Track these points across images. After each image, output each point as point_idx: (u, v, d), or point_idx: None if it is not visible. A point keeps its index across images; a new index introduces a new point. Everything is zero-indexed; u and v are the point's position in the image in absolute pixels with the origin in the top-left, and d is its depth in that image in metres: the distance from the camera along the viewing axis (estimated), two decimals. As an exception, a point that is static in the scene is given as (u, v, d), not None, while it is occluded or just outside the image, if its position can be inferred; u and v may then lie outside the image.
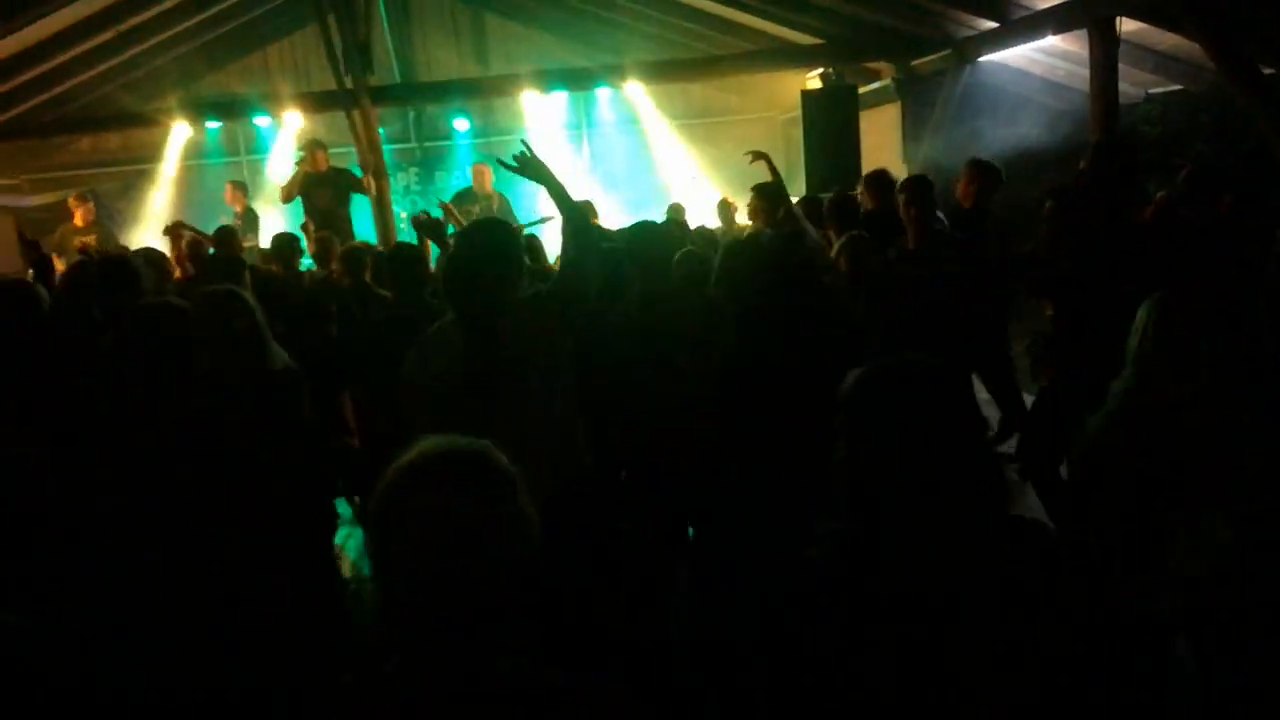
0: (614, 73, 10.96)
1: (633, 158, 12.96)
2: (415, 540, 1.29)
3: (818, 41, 9.86)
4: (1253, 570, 2.50)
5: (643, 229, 3.91)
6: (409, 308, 4.39)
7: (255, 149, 12.63)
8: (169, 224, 7.44)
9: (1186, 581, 2.51)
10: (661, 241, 3.85)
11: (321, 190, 9.01)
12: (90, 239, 8.55)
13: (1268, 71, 5.68)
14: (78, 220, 9.11)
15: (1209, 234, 4.59)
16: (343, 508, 5.74)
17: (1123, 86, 7.16)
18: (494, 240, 2.97)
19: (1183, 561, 2.50)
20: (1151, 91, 9.33)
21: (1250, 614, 2.55)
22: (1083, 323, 3.85)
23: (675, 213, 8.04)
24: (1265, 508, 2.50)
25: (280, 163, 11.88)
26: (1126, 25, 6.59)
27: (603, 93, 12.21)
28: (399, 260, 4.68)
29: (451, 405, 2.82)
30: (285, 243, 6.71)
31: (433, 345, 2.97)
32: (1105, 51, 6.61)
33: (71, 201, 9.30)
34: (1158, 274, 3.97)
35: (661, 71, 11.52)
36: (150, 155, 12.86)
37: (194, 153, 12.50)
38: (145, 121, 11.93)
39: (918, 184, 5.19)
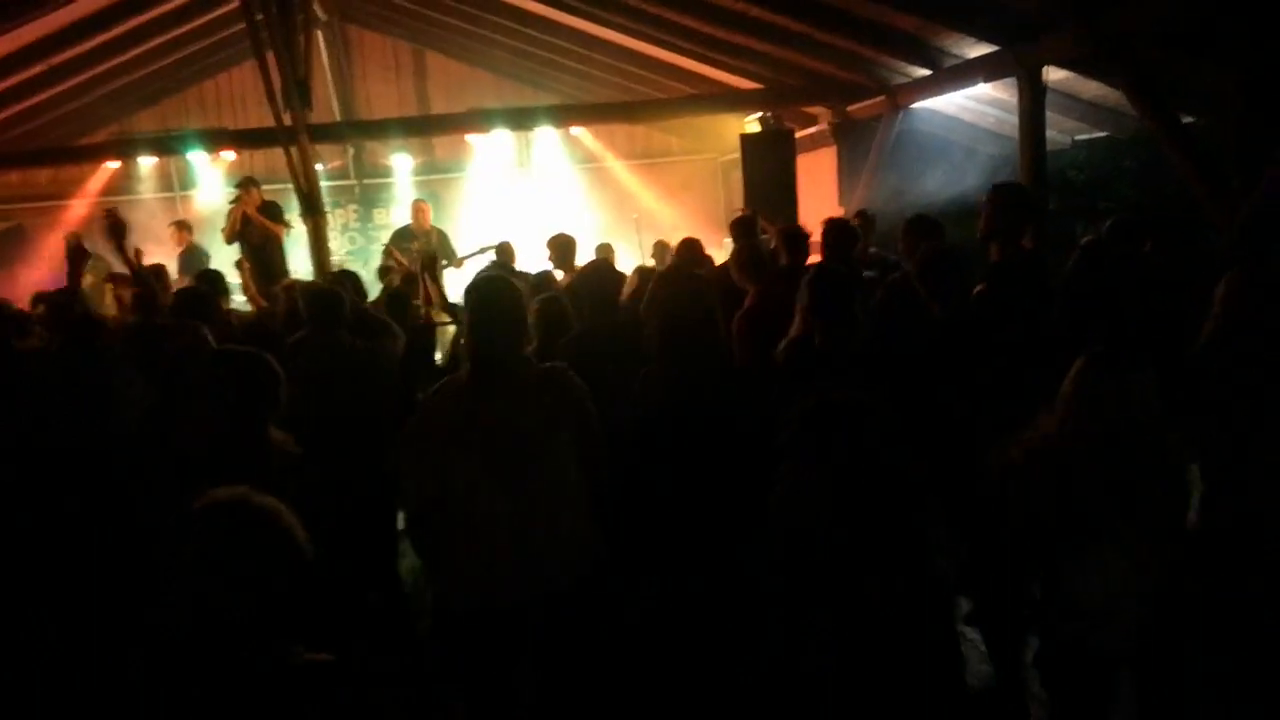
0: (555, 114, 11.03)
1: (574, 198, 13.01)
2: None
3: (756, 86, 10.03)
4: (1155, 600, 2.57)
5: (591, 268, 4.10)
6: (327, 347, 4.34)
7: (188, 184, 12.43)
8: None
9: (1084, 612, 2.58)
10: (608, 281, 3.95)
11: (255, 227, 8.89)
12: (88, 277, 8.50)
13: (1187, 120, 5.89)
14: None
15: (1133, 277, 4.74)
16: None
17: (1051, 133, 7.40)
18: (506, 295, 2.96)
19: (1080, 592, 2.57)
20: (1078, 138, 9.64)
21: (1165, 645, 2.62)
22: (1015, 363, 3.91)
23: (602, 252, 8.11)
24: (1160, 540, 2.58)
25: (214, 197, 11.72)
26: (1053, 74, 6.80)
27: (544, 133, 12.27)
28: (316, 299, 4.62)
29: (459, 461, 2.81)
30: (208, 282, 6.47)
31: (443, 399, 2.94)
32: (1033, 99, 6.81)
33: (69, 240, 9.15)
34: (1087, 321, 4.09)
35: (603, 113, 11.64)
36: (80, 190, 12.63)
37: (125, 188, 12.28)
38: (77, 157, 11.73)
39: (839, 231, 5.45)
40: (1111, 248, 5.06)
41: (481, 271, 5.72)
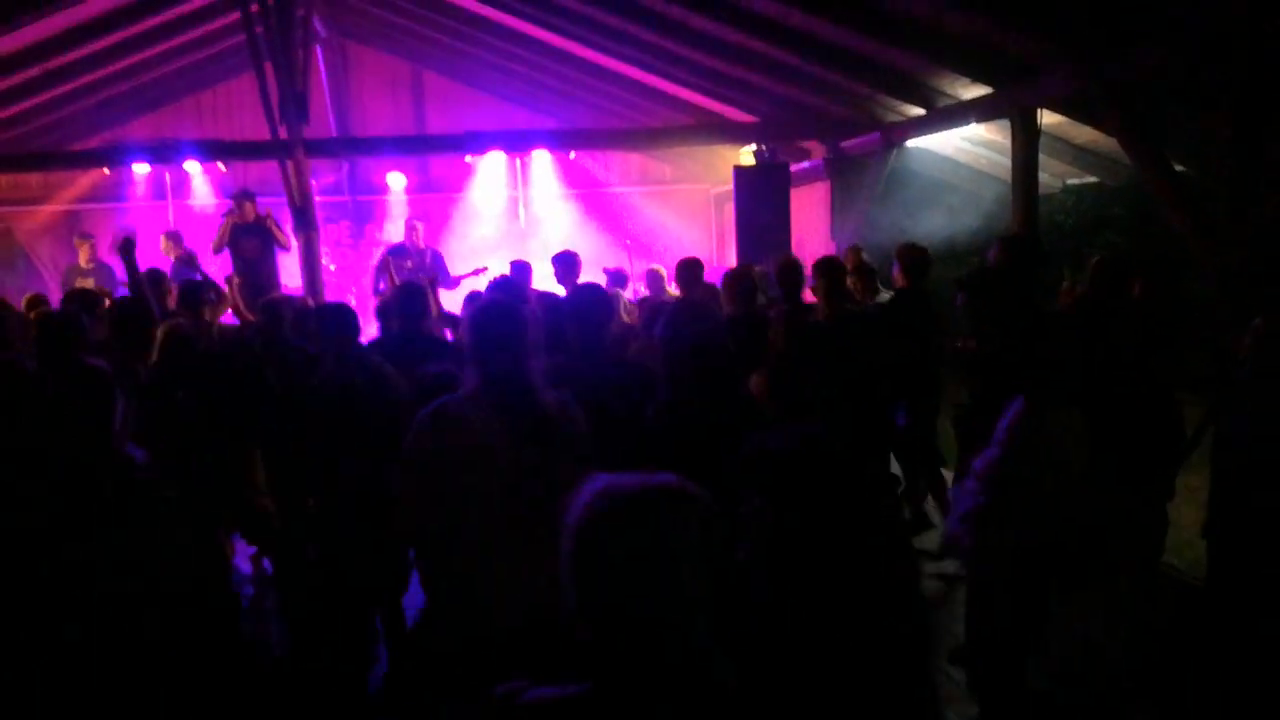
0: (551, 137, 11.07)
1: (567, 221, 13.05)
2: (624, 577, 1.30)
3: (752, 119, 10.10)
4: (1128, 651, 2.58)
5: (584, 292, 4.07)
6: (349, 369, 4.27)
7: (182, 193, 12.40)
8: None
9: (1062, 660, 2.59)
10: (600, 304, 3.92)
11: (248, 240, 8.88)
12: (89, 281, 8.79)
13: (1180, 168, 5.95)
14: (81, 260, 9.46)
15: (1121, 321, 4.78)
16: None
17: (1042, 177, 7.46)
18: (519, 320, 2.88)
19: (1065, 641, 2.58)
20: (1069, 182, 9.74)
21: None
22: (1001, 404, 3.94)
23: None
24: (1134, 591, 2.60)
25: (207, 207, 11.71)
26: (1047, 118, 6.87)
27: (539, 156, 12.31)
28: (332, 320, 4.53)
29: (477, 480, 2.73)
30: (190, 291, 6.42)
31: (461, 420, 2.80)
32: (1026, 142, 6.87)
33: (76, 241, 9.68)
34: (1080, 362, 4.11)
35: (598, 139, 11.68)
36: (70, 195, 12.59)
37: (116, 194, 12.25)
38: (70, 162, 11.69)
39: (829, 266, 5.70)
40: (1097, 290, 5.11)
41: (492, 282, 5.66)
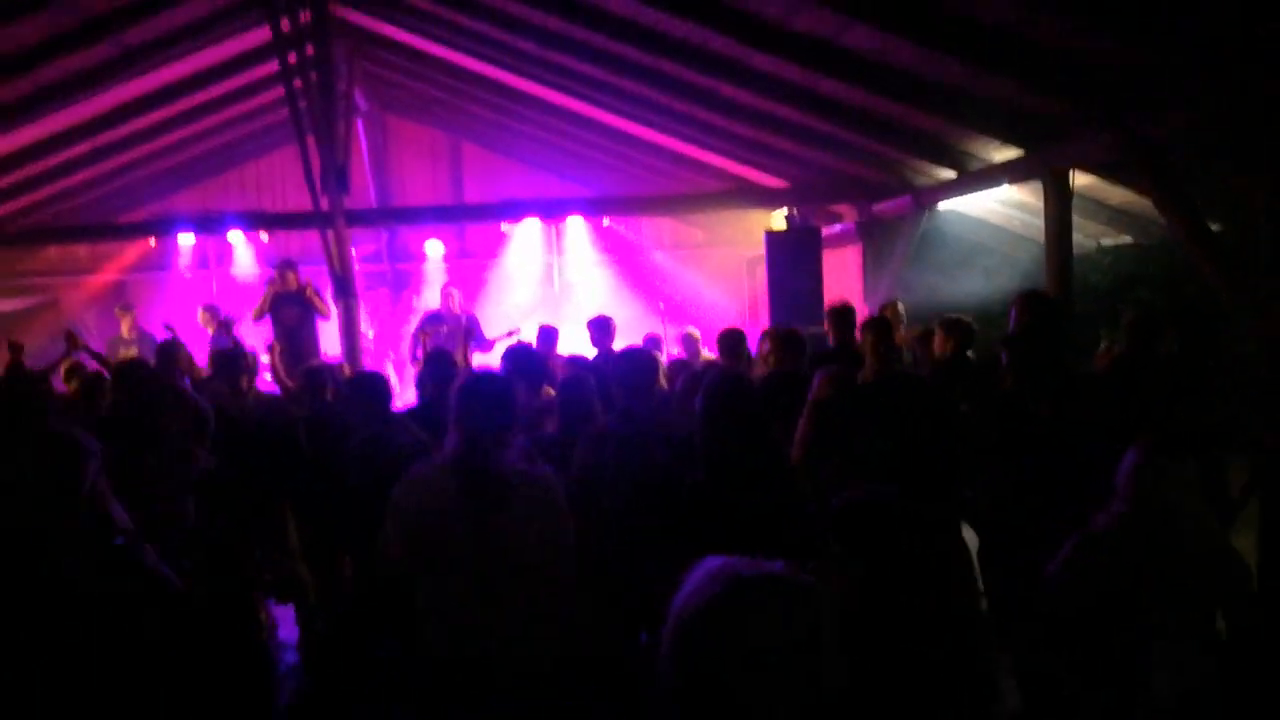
0: (585, 204, 11.25)
1: (602, 286, 13.18)
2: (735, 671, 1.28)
3: (783, 183, 10.20)
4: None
5: (628, 356, 4.10)
6: (381, 435, 4.34)
7: (224, 263, 12.71)
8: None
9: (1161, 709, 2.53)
10: (645, 366, 3.97)
11: (289, 308, 9.02)
12: (133, 351, 9.08)
13: (1216, 227, 5.93)
14: (124, 331, 9.89)
15: (1158, 375, 4.74)
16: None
17: (1076, 237, 7.44)
18: (496, 391, 2.97)
19: (1160, 688, 2.52)
20: (1104, 242, 9.70)
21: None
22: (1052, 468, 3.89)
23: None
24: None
25: (248, 276, 11.96)
26: (1080, 179, 6.88)
27: (573, 221, 12.50)
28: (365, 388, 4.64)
29: (435, 546, 2.84)
30: (227, 360, 6.53)
31: (425, 483, 2.95)
32: (1059, 203, 6.86)
33: (117, 312, 10.15)
34: (1119, 419, 4.07)
35: (631, 205, 11.87)
36: (118, 266, 12.95)
37: (162, 264, 12.56)
38: (117, 234, 12.03)
39: (879, 323, 5.68)
40: (1132, 347, 5.08)
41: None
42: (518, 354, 5.32)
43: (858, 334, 6.09)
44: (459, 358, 7.66)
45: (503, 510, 2.84)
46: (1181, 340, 5.48)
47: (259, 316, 9.06)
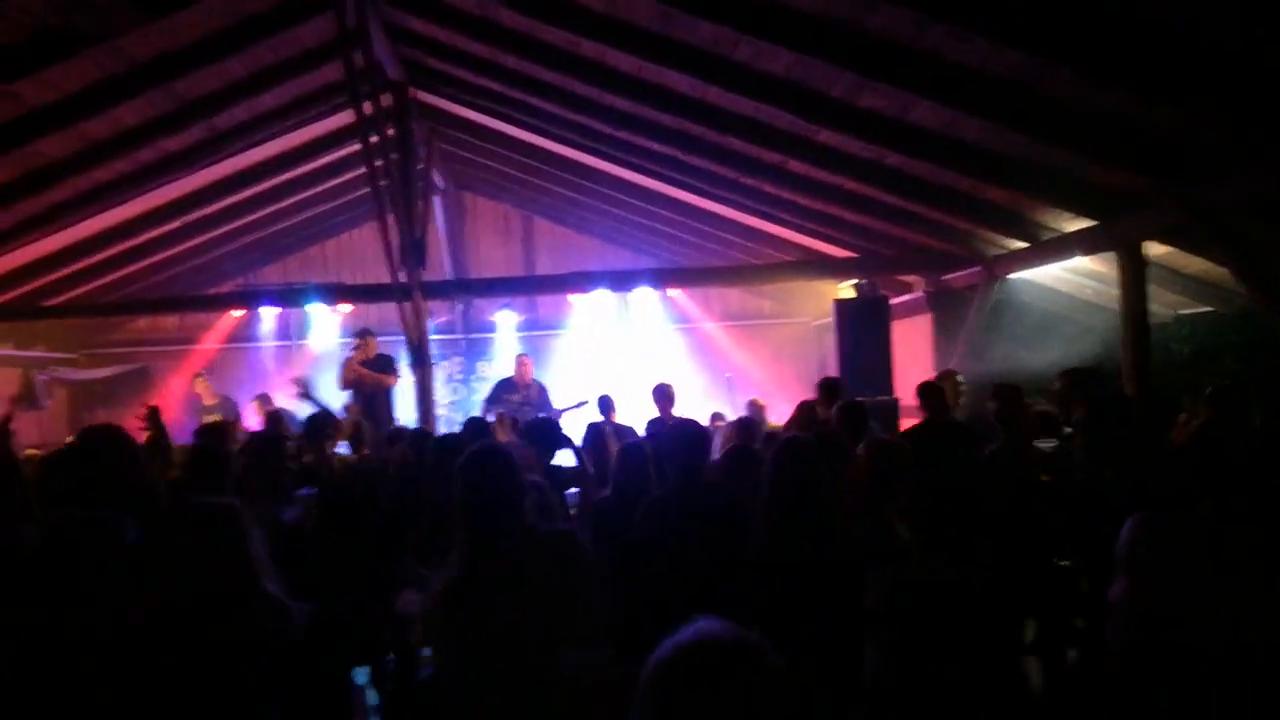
0: (654, 276, 11.40)
1: (669, 356, 13.26)
2: None
3: (850, 254, 10.23)
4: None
5: (681, 428, 4.16)
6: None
7: (304, 333, 13.12)
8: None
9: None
10: (697, 439, 4.02)
11: (366, 379, 9.28)
12: (215, 416, 9.39)
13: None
14: (206, 399, 10.37)
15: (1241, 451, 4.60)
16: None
17: (1152, 307, 7.32)
18: (497, 466, 2.99)
19: None
20: (1181, 313, 9.50)
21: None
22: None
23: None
24: None
25: (327, 346, 12.31)
26: (1155, 248, 6.79)
27: (642, 293, 12.65)
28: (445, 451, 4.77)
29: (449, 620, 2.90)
30: (317, 426, 6.70)
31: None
32: (1134, 273, 6.77)
33: (195, 381, 10.75)
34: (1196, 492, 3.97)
35: (699, 277, 12.02)
36: (204, 337, 13.46)
37: (245, 335, 13.00)
38: (204, 305, 12.52)
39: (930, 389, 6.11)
40: (1216, 417, 4.96)
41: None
42: (532, 425, 5.88)
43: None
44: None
45: (506, 590, 2.84)
46: (1265, 412, 5.33)
47: (346, 386, 9.30)
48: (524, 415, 9.07)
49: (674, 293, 13.12)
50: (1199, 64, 4.54)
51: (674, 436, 4.07)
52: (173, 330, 13.76)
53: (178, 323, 13.73)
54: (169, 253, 11.38)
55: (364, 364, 9.27)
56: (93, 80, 6.62)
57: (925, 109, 6.05)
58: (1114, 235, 6.87)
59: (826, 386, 6.68)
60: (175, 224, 10.43)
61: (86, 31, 5.89)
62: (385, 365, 9.41)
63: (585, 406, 9.17)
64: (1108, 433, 4.01)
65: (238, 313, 12.39)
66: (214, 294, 12.86)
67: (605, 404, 8.21)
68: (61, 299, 11.18)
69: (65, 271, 10.61)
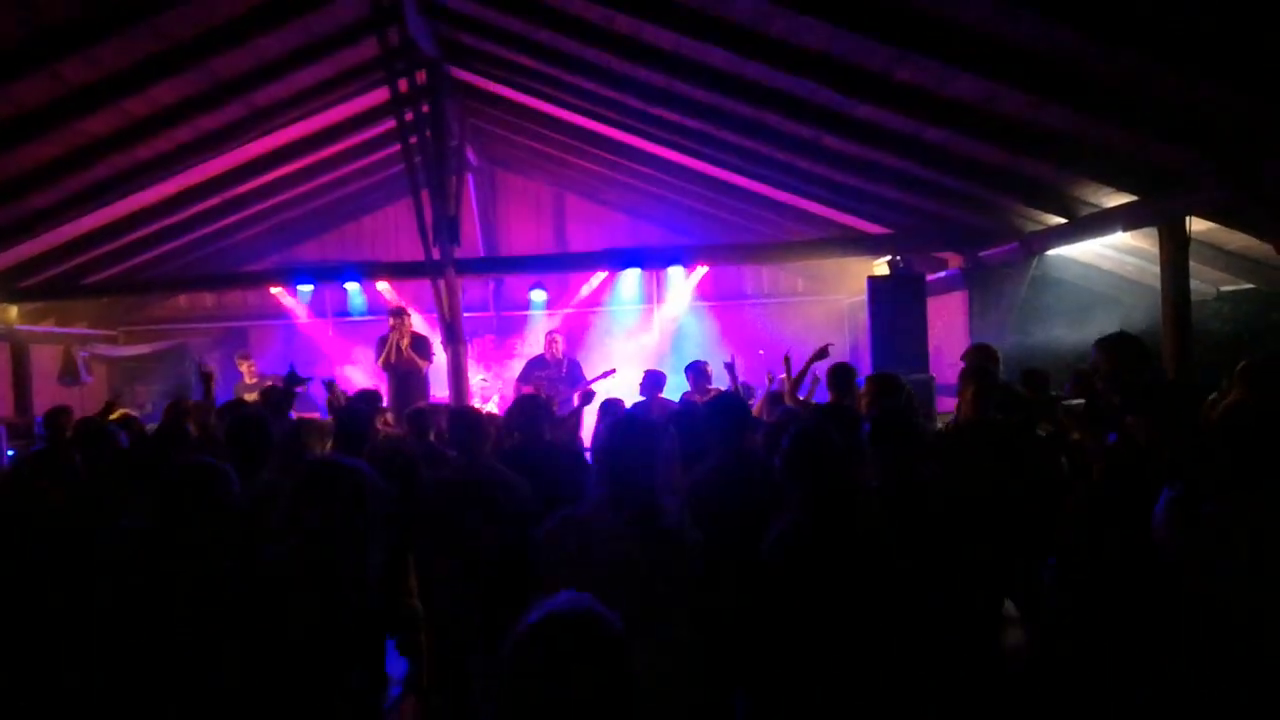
0: (685, 253, 11.38)
1: (701, 333, 13.26)
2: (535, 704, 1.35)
3: (885, 230, 10.14)
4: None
5: (723, 399, 4.18)
6: (470, 469, 4.51)
7: (340, 311, 13.24)
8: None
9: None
10: (740, 410, 4.05)
11: (401, 355, 9.37)
12: (254, 395, 9.44)
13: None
14: (246, 377, 10.52)
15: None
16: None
17: (1194, 283, 7.21)
18: (645, 431, 3.03)
19: None
20: (1223, 289, 9.37)
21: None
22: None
23: None
24: None
25: (361, 321, 12.43)
26: (1197, 224, 6.68)
27: (674, 270, 12.65)
28: (460, 422, 4.83)
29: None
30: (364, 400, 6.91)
31: (586, 526, 2.98)
32: (1175, 250, 6.68)
33: (237, 359, 10.91)
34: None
35: (732, 254, 11.96)
36: (241, 313, 13.62)
37: (281, 312, 13.14)
38: (243, 282, 12.66)
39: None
40: (1248, 394, 4.85)
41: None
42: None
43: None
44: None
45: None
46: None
47: (386, 364, 9.40)
48: (555, 392, 9.13)
49: (705, 270, 13.08)
50: (1252, 38, 4.45)
51: (716, 409, 4.05)
52: (212, 308, 13.94)
53: (216, 299, 13.90)
54: (207, 230, 11.49)
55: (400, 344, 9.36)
56: (132, 59, 6.69)
57: (965, 82, 5.97)
58: (1156, 211, 6.76)
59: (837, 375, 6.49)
60: (213, 201, 10.53)
61: (129, 8, 5.95)
62: (421, 347, 9.49)
63: (614, 375, 9.26)
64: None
65: (275, 290, 12.53)
66: (251, 271, 12.97)
67: (658, 380, 8.03)
68: (101, 276, 11.34)
69: (105, 249, 10.74)
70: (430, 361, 9.51)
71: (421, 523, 4.65)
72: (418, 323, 10.74)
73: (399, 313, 9.59)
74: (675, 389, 8.24)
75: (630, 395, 7.98)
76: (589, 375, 9.88)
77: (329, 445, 5.67)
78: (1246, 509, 2.70)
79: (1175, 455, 3.37)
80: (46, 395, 10.93)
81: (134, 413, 8.37)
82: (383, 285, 12.29)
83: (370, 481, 2.67)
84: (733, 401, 4.11)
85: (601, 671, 1.35)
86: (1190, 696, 2.46)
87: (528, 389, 9.31)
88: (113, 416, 7.05)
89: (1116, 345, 4.63)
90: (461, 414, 5.06)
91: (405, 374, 9.31)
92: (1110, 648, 2.49)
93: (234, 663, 2.44)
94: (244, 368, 10.67)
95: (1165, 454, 3.59)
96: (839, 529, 3.13)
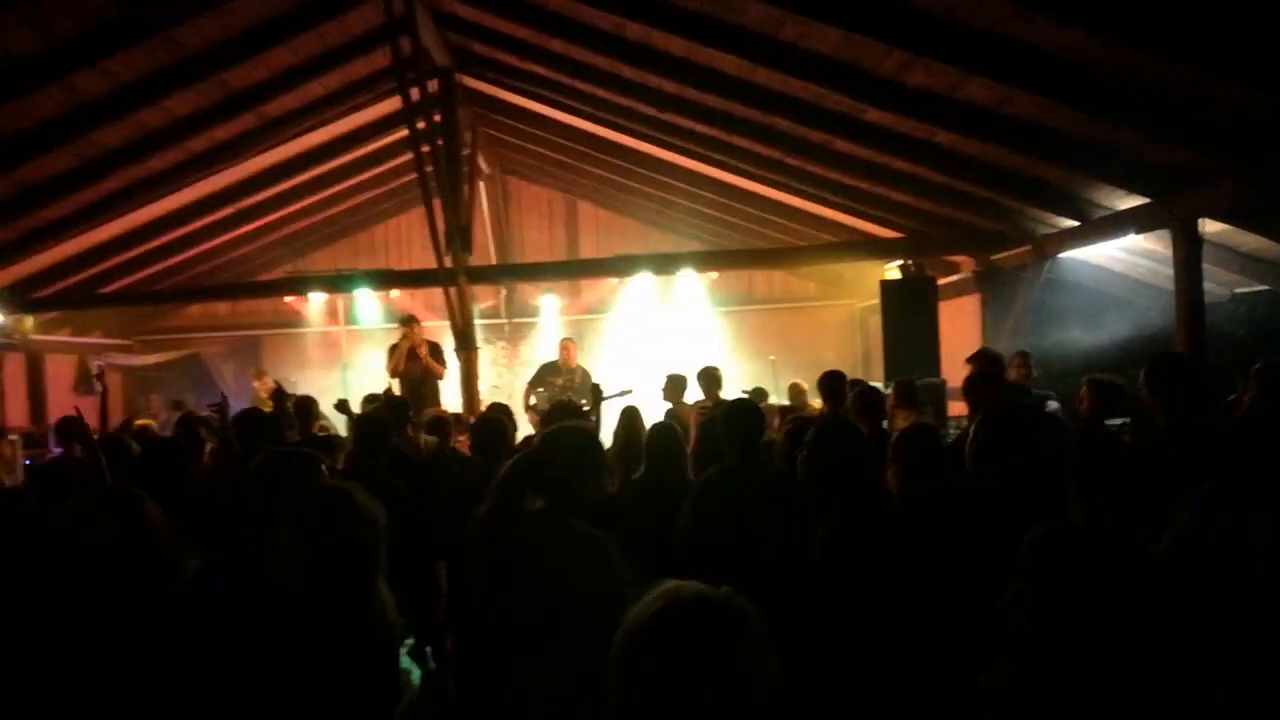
0: (697, 259, 11.38)
1: (713, 339, 13.24)
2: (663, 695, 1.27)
3: (897, 235, 10.12)
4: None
5: (738, 405, 4.19)
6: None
7: (351, 319, 13.26)
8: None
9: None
10: (754, 416, 4.04)
11: (414, 362, 9.38)
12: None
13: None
14: (262, 393, 10.52)
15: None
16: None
17: (1207, 286, 7.16)
18: (575, 441, 3.04)
19: None
20: (1237, 291, 9.32)
21: None
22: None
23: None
24: None
25: (375, 331, 12.45)
26: (1210, 226, 6.64)
27: (686, 276, 12.64)
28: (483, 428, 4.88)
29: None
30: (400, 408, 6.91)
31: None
32: (1188, 252, 6.64)
33: (251, 375, 11.20)
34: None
35: (742, 259, 11.97)
36: (254, 322, 13.67)
37: (294, 320, 13.18)
38: (255, 292, 12.71)
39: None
40: (1262, 396, 4.83)
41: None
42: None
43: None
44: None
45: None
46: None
47: (395, 372, 9.41)
48: (567, 399, 9.11)
49: (716, 275, 13.08)
50: (1264, 39, 4.44)
51: (730, 414, 4.06)
52: (225, 317, 14.00)
53: (229, 309, 13.96)
54: (220, 240, 11.56)
55: (411, 351, 9.36)
56: (146, 71, 6.74)
57: (976, 85, 5.96)
58: (1169, 212, 6.73)
59: (827, 383, 6.51)
60: (226, 211, 10.60)
61: (145, 20, 5.99)
62: (435, 354, 9.50)
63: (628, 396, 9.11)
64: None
65: (288, 299, 12.58)
66: (264, 280, 13.03)
67: (680, 385, 7.95)
68: (115, 286, 11.41)
69: (119, 259, 10.82)
70: (444, 367, 9.53)
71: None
72: (428, 330, 10.74)
73: (409, 320, 9.60)
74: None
75: (649, 401, 7.94)
76: (601, 383, 9.84)
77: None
78: (1263, 510, 2.68)
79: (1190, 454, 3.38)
80: (61, 405, 10.99)
81: (150, 422, 8.42)
82: (394, 293, 12.33)
83: (359, 510, 2.63)
84: (745, 408, 4.11)
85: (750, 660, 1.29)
86: (1190, 696, 2.43)
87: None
88: (140, 422, 7.14)
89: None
90: (485, 420, 5.15)
91: (419, 381, 9.32)
92: (1110, 648, 2.47)
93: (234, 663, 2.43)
94: (261, 385, 10.70)
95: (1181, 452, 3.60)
96: (875, 532, 3.17)
